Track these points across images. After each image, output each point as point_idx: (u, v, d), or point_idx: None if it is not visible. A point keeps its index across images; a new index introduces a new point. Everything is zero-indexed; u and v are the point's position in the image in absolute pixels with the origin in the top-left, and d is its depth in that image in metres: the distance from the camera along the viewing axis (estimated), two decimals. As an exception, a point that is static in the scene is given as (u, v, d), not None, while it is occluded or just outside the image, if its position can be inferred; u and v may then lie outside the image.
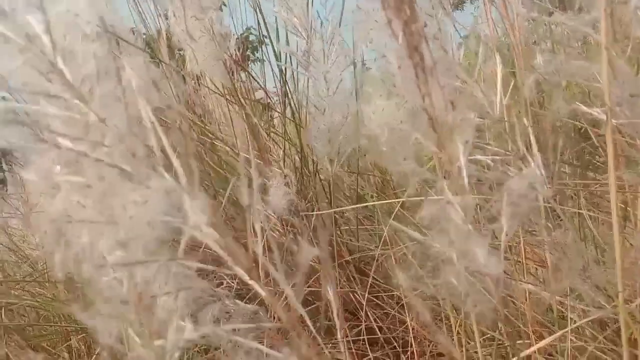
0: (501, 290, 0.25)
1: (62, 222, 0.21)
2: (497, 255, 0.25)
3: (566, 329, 0.43)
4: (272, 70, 0.99)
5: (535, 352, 0.44)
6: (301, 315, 0.23)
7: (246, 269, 0.22)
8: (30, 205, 1.67)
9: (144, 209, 0.20)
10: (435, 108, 0.26)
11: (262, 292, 0.22)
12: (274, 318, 0.23)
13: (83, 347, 1.23)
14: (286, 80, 0.90)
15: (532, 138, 0.39)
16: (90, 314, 0.21)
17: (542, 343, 0.42)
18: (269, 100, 1.13)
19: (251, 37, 2.05)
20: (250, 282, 0.23)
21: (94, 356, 1.07)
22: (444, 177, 0.25)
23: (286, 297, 0.24)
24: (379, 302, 0.81)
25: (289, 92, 0.92)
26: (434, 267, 0.26)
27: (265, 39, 0.98)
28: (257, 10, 0.84)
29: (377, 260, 0.87)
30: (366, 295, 0.72)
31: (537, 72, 0.37)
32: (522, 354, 0.42)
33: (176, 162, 0.22)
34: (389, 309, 0.76)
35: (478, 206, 0.28)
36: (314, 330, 0.23)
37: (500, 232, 0.27)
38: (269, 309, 0.24)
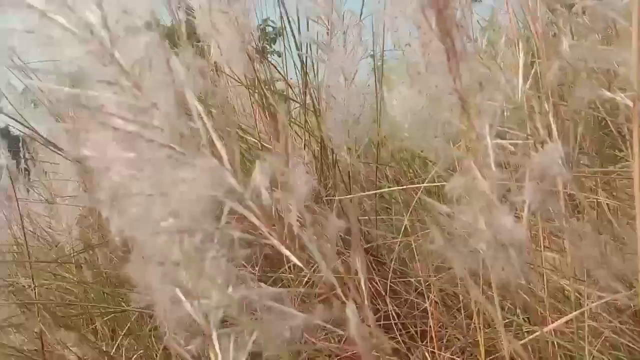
0: (524, 257, 0.27)
1: (117, 193, 0.24)
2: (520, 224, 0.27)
3: (583, 309, 0.45)
4: (293, 61, 1.01)
5: (552, 332, 0.45)
6: (332, 284, 0.25)
7: (281, 239, 0.25)
8: (54, 191, 1.73)
9: (193, 184, 0.23)
10: (463, 89, 0.27)
11: (296, 261, 0.25)
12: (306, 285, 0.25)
13: (107, 331, 1.29)
14: (307, 72, 0.92)
15: (552, 124, 0.41)
16: (146, 274, 0.23)
17: (558, 322, 0.43)
18: (289, 91, 1.15)
19: (267, 29, 2.08)
20: (286, 251, 0.25)
21: (119, 339, 1.12)
22: (472, 154, 0.27)
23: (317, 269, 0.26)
24: (396, 289, 0.83)
25: (309, 82, 0.94)
26: (460, 239, 0.28)
27: (284, 31, 1.00)
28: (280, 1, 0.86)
29: (395, 250, 0.89)
30: (388, 283, 0.75)
31: (563, 59, 0.38)
32: (538, 332, 0.43)
33: (219, 144, 0.24)
34: (407, 295, 0.78)
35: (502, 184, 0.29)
36: (344, 298, 0.26)
37: (523, 205, 0.29)
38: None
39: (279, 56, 1.45)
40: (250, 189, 0.25)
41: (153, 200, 0.23)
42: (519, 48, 0.42)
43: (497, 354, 0.61)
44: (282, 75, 1.03)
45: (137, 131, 0.24)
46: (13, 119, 1.24)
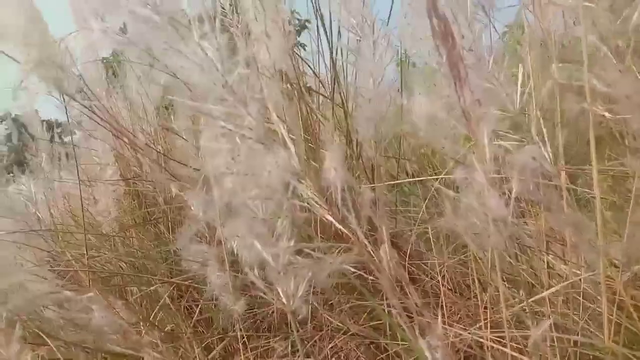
0: (509, 229, 0.38)
1: (220, 172, 0.36)
2: (506, 202, 0.38)
3: (574, 279, 0.56)
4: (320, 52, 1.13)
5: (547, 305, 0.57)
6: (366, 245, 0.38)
7: (329, 209, 0.37)
8: (90, 175, 1.92)
9: (272, 168, 0.35)
10: (467, 105, 0.38)
11: (336, 223, 0.37)
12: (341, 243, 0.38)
13: (145, 302, 1.46)
14: (337, 71, 1.03)
15: (544, 129, 0.51)
16: (237, 228, 0.36)
17: (551, 290, 0.54)
18: (318, 87, 1.27)
19: (294, 21, 2.18)
20: (330, 217, 0.37)
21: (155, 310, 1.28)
22: (473, 152, 0.39)
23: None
24: (412, 273, 0.95)
25: (338, 81, 1.06)
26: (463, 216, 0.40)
27: (317, 19, 1.11)
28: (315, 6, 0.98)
29: (411, 238, 1.01)
30: (406, 266, 0.87)
31: (553, 78, 0.49)
32: (533, 298, 0.55)
33: (289, 140, 0.37)
34: (423, 276, 0.90)
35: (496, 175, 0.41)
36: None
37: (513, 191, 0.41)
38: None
39: (304, 49, 1.57)
40: (309, 171, 0.37)
41: (244, 178, 0.36)
42: (520, 65, 0.53)
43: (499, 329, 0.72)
44: (314, 73, 1.15)
45: (235, 130, 0.36)
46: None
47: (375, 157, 0.99)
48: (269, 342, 0.86)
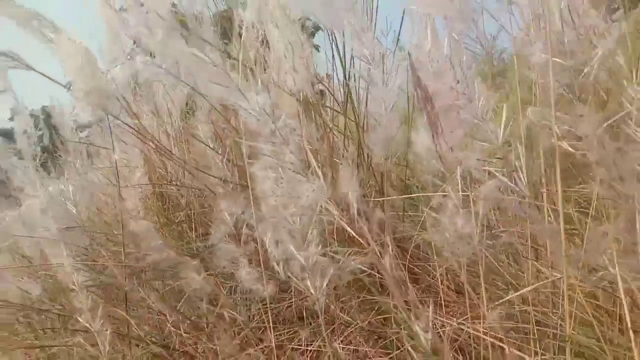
0: (479, 243, 0.51)
1: (267, 194, 0.50)
2: (471, 221, 0.51)
3: (547, 280, 0.69)
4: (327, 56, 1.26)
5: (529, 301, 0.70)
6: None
7: (347, 221, 0.50)
8: (122, 177, 2.08)
9: (307, 191, 0.49)
10: (442, 151, 0.51)
11: (352, 232, 0.50)
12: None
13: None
14: (350, 92, 1.17)
15: (522, 160, 0.64)
16: (276, 234, 0.50)
17: (528, 288, 0.67)
18: (332, 103, 1.41)
19: (307, 23, 2.33)
20: (347, 227, 0.51)
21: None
22: (446, 183, 0.52)
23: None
24: (416, 272, 1.08)
25: (351, 98, 1.20)
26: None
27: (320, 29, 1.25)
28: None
29: (413, 241, 1.14)
30: (406, 266, 1.00)
31: (528, 119, 0.61)
32: (516, 294, 0.68)
33: (320, 171, 0.50)
34: (425, 276, 1.03)
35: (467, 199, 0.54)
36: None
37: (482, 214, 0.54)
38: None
39: (318, 51, 1.71)
40: (331, 193, 0.51)
41: (285, 199, 0.49)
42: (504, 107, 0.65)
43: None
44: (331, 93, 1.28)
45: (278, 163, 0.50)
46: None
47: (385, 167, 1.12)
48: (290, 330, 1.00)
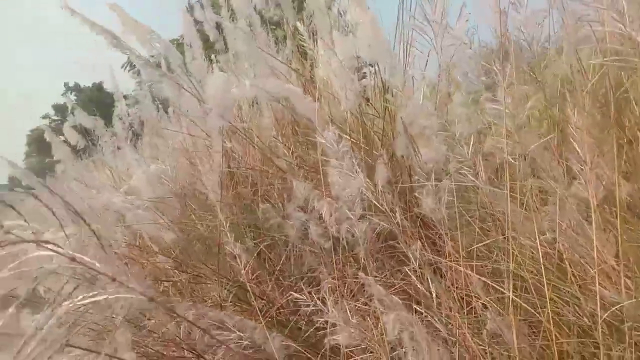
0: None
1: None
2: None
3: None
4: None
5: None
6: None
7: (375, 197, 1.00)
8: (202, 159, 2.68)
9: (357, 183, 0.99)
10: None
11: (379, 206, 1.00)
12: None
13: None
14: (388, 106, 1.65)
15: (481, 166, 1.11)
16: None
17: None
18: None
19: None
20: (377, 203, 1.00)
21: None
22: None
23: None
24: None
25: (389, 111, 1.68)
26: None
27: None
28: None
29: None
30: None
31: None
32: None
33: (361, 171, 1.00)
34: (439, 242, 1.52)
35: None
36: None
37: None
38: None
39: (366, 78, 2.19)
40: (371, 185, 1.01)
41: (343, 185, 1.00)
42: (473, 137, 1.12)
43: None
44: (374, 108, 1.77)
45: (339, 170, 1.00)
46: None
47: (407, 162, 1.61)
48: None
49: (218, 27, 2.61)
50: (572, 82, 1.27)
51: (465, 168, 1.10)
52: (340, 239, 1.15)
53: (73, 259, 0.63)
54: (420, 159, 1.02)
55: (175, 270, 2.22)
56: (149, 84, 3.29)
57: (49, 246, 0.61)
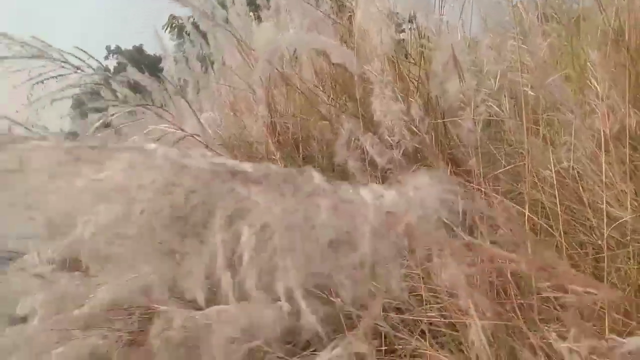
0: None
1: None
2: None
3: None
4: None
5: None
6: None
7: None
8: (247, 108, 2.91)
9: (398, 111, 1.20)
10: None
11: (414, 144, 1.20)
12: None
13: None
14: (423, 52, 1.82)
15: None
16: None
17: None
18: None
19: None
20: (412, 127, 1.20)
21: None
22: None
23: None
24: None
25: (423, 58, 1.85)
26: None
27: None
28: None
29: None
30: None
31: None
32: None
33: (401, 99, 1.20)
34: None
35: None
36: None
37: None
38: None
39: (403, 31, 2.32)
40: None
41: (385, 112, 1.20)
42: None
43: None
44: (410, 54, 1.94)
45: (382, 98, 1.20)
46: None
47: (441, 103, 1.79)
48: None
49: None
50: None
51: (492, 100, 1.28)
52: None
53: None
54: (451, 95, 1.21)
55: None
56: (193, 40, 3.51)
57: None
